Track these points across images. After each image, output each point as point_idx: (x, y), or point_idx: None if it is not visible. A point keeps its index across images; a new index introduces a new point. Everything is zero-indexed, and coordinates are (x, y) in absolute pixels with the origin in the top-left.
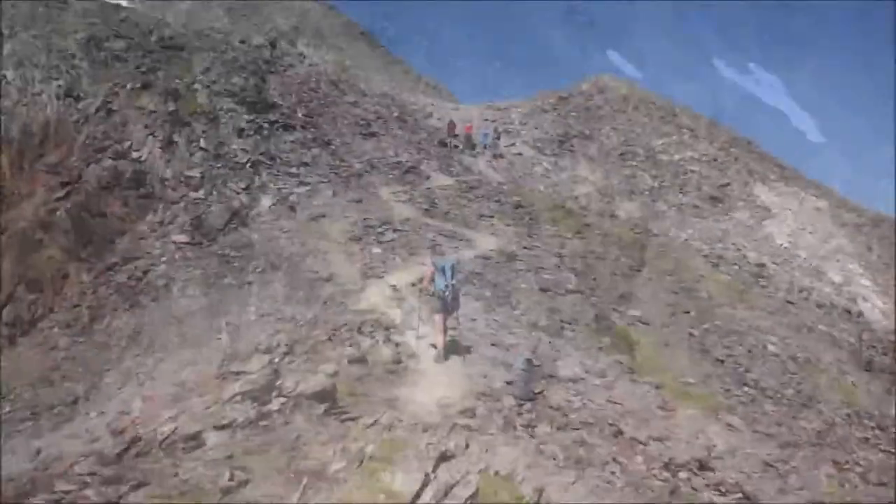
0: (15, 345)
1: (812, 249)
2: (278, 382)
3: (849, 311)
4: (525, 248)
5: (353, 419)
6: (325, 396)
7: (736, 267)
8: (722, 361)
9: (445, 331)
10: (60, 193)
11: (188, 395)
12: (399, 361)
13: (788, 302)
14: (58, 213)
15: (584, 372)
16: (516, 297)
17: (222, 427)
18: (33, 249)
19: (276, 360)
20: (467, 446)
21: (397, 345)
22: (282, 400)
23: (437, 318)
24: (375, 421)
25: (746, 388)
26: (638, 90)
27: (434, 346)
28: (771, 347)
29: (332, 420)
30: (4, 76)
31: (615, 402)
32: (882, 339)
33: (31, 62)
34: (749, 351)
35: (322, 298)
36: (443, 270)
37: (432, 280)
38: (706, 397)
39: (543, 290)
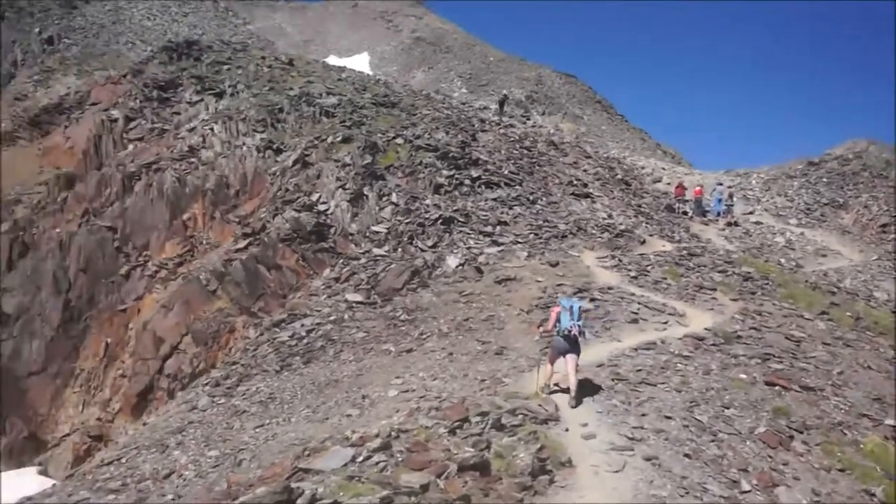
0: (173, 398)
1: None
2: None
3: None
4: (751, 328)
5: None
6: None
7: None
8: None
9: (573, 374)
10: (242, 244)
11: (241, 492)
12: (541, 472)
13: None
14: (233, 263)
15: None
16: (731, 391)
17: None
18: (205, 300)
19: (359, 458)
20: None
21: (542, 447)
22: None
23: (558, 359)
24: None
25: None
26: None
27: (552, 390)
28: None
29: None
30: (212, 129)
31: None
32: None
33: (240, 117)
34: None
35: (483, 376)
36: (570, 309)
37: (558, 320)
38: None
39: (769, 384)
